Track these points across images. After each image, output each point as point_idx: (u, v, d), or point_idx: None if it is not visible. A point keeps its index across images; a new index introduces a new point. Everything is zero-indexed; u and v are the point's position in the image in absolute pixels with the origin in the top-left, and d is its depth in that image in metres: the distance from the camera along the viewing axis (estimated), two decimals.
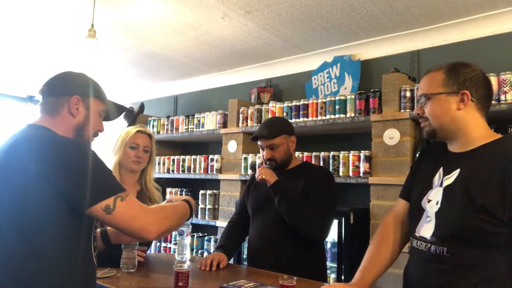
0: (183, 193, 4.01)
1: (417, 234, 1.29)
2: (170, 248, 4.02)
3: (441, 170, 1.28)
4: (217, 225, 3.48)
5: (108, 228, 1.67)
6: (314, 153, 2.94)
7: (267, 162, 2.04)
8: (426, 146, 1.46)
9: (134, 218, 1.14)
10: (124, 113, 1.51)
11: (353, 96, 2.81)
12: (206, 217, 3.62)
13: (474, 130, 1.24)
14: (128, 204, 1.14)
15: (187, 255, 1.79)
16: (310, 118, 2.97)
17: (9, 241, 1.06)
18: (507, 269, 1.14)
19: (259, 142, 2.05)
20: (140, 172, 2.10)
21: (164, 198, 2.17)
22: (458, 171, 1.23)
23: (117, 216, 1.12)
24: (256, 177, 1.97)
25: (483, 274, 1.15)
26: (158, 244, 4.12)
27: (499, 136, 1.24)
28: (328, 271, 2.49)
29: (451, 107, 1.24)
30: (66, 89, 1.27)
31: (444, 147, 1.34)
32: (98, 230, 1.68)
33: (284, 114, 3.12)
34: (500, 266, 1.14)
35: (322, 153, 2.91)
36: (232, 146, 3.45)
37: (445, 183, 1.25)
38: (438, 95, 1.26)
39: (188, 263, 1.62)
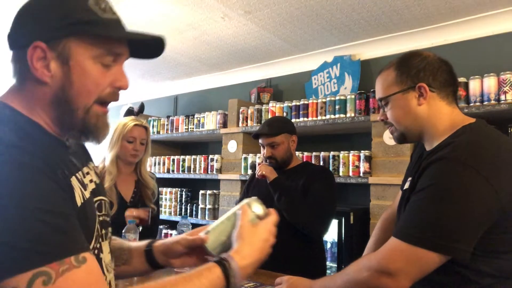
0: (183, 193, 4.01)
1: None
2: None
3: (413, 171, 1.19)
4: None
5: (157, 243, 1.03)
6: (314, 153, 2.94)
7: (267, 160, 2.04)
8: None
9: None
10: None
11: (353, 96, 2.81)
12: (206, 217, 3.62)
13: (439, 123, 1.11)
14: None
15: None
16: (310, 118, 2.97)
17: None
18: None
19: (260, 140, 2.06)
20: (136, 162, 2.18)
21: (158, 189, 2.24)
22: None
23: None
24: (257, 173, 1.97)
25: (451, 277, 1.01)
26: None
27: (459, 127, 1.08)
28: (328, 271, 2.48)
29: (411, 105, 1.12)
30: (22, 32, 0.73)
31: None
32: (137, 245, 1.05)
33: (284, 114, 3.12)
34: (460, 284, 0.99)
35: (322, 153, 2.91)
36: (232, 146, 3.45)
37: (405, 186, 1.17)
38: (394, 95, 1.13)
39: None
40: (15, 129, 0.67)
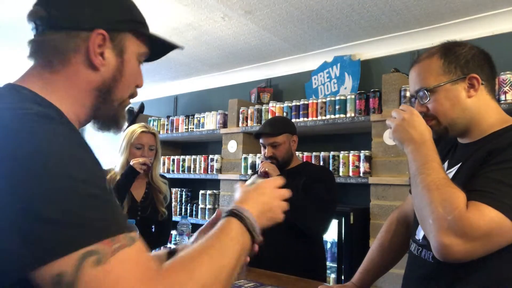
0: (183, 193, 4.01)
1: (415, 237, 1.15)
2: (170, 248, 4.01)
3: (445, 164, 1.12)
4: None
5: (180, 246, 0.99)
6: (314, 153, 2.94)
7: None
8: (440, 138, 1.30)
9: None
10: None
11: (353, 96, 2.81)
12: (206, 217, 3.62)
13: (488, 117, 1.05)
14: (117, 266, 0.51)
15: None
16: (310, 118, 2.97)
17: None
18: (499, 279, 0.94)
19: (261, 140, 2.06)
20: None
21: (170, 193, 2.23)
22: (459, 165, 1.06)
23: None
24: (259, 170, 1.97)
25: (469, 286, 0.96)
26: None
27: (509, 123, 1.05)
28: (328, 271, 2.49)
29: (461, 97, 1.03)
30: (82, 16, 0.70)
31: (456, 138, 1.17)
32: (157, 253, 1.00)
33: (284, 114, 3.12)
34: (491, 277, 0.94)
35: (322, 153, 2.91)
36: (232, 146, 3.45)
37: None
38: (442, 86, 1.04)
39: None
40: (43, 105, 0.64)
